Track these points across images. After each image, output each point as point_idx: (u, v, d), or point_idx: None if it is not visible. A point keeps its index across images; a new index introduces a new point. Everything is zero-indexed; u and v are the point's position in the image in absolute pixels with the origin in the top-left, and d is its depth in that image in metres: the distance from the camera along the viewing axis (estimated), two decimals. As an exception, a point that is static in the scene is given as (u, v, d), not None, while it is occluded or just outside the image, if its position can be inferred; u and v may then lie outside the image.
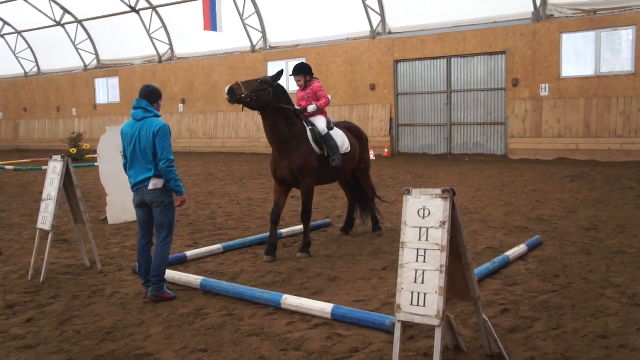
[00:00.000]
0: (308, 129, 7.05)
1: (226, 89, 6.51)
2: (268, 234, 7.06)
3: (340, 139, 7.34)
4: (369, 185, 8.11)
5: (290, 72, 7.55)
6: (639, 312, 4.68)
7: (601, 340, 4.17)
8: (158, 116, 5.57)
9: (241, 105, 6.68)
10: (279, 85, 6.91)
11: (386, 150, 19.48)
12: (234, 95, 6.47)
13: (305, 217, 7.00)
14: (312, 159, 6.91)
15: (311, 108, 7.19)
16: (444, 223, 3.44)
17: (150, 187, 5.41)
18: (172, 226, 5.58)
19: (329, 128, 7.24)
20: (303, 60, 21.48)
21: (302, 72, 7.32)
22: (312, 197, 7.02)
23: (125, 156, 5.63)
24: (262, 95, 6.64)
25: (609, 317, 4.60)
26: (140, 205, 5.56)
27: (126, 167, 5.65)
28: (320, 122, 7.19)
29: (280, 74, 6.97)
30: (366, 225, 8.23)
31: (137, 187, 5.50)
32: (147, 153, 5.40)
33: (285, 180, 6.93)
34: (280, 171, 6.88)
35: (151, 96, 5.55)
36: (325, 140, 7.08)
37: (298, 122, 7.00)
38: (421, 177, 13.86)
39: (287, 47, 22.26)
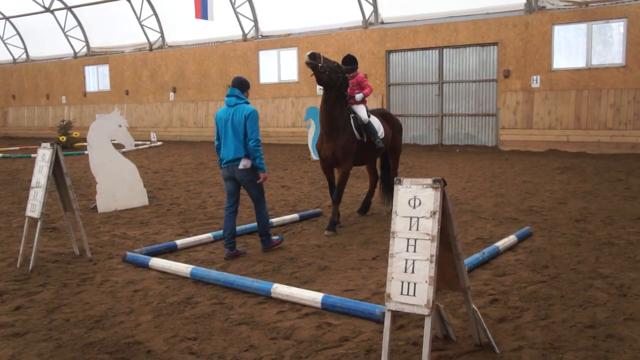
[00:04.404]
0: (351, 116, 7.75)
1: (309, 52, 7.06)
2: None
3: (377, 125, 8.10)
4: (396, 166, 8.86)
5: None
6: (626, 303, 4.72)
7: (589, 330, 4.21)
8: (248, 103, 6.43)
9: (311, 73, 7.24)
10: (347, 77, 7.65)
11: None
12: (314, 59, 7.02)
13: (337, 198, 7.59)
14: (353, 144, 7.62)
15: (358, 96, 8.00)
16: (434, 213, 3.45)
17: (240, 166, 6.32)
18: (263, 195, 6.59)
19: (368, 116, 8.00)
20: (295, 49, 21.42)
21: (353, 63, 7.99)
22: (347, 178, 7.66)
23: (218, 138, 6.51)
24: (333, 75, 7.29)
25: (597, 307, 4.64)
26: (228, 178, 6.50)
27: (218, 149, 6.53)
28: (362, 112, 7.95)
29: (352, 68, 7.85)
30: (385, 206, 8.78)
31: (228, 164, 6.40)
32: (239, 134, 6.27)
33: (327, 160, 7.65)
34: (324, 151, 7.63)
35: (242, 86, 6.48)
36: (366, 128, 7.84)
37: (346, 110, 7.68)
38: (412, 168, 13.87)
39: (279, 36, 22.14)
